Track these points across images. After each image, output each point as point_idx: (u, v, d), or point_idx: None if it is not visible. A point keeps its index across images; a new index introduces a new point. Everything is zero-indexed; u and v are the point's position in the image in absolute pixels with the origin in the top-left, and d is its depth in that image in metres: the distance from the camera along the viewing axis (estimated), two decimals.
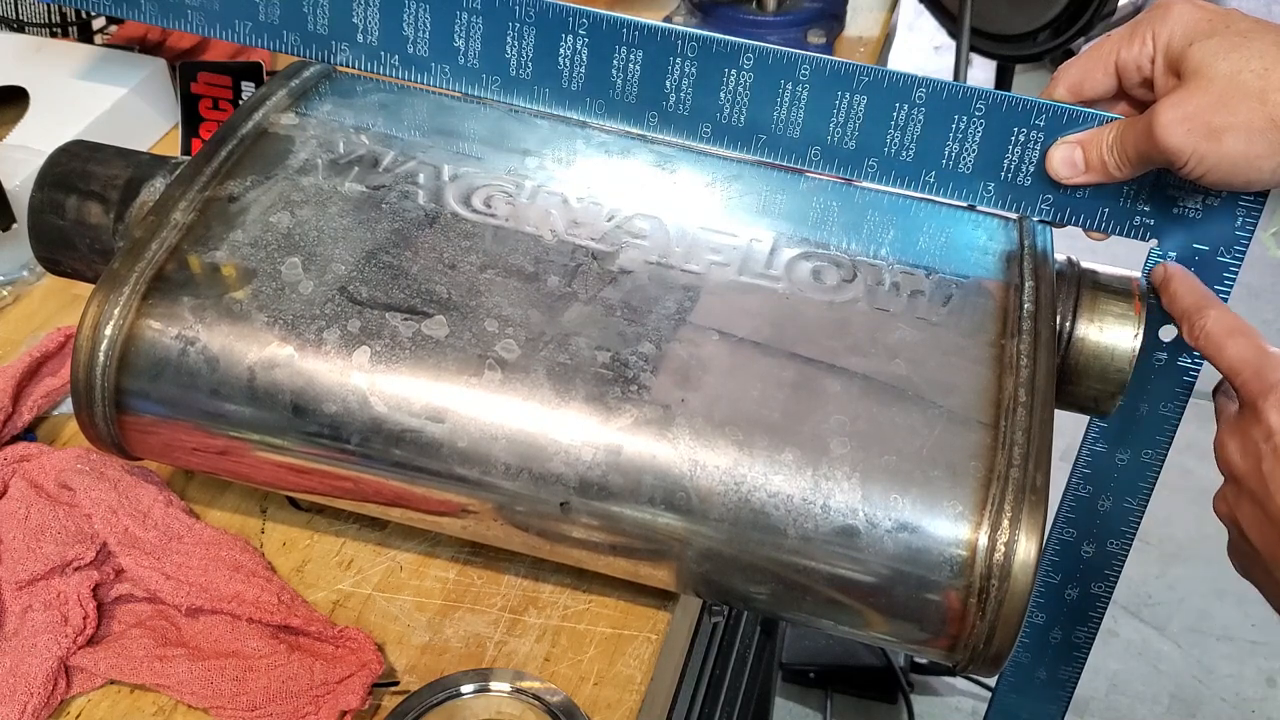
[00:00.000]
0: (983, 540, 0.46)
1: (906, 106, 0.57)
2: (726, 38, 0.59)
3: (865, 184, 0.60)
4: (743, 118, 0.59)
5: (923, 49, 2.56)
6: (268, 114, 0.60)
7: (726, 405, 0.49)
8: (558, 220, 0.57)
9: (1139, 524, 0.65)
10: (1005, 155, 0.57)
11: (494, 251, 0.55)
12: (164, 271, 0.53)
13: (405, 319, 0.51)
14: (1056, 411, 0.52)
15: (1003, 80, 1.49)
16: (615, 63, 0.60)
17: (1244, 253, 0.57)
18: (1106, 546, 0.66)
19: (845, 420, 0.49)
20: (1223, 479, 0.52)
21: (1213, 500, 0.53)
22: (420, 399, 0.50)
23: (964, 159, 0.57)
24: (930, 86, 0.56)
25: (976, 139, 0.57)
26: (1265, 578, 0.51)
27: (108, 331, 0.51)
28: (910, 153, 0.58)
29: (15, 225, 0.74)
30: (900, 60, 1.29)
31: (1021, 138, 0.56)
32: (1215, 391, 0.55)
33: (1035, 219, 0.59)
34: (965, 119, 0.57)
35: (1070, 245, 0.59)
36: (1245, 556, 0.52)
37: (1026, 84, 2.59)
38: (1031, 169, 0.57)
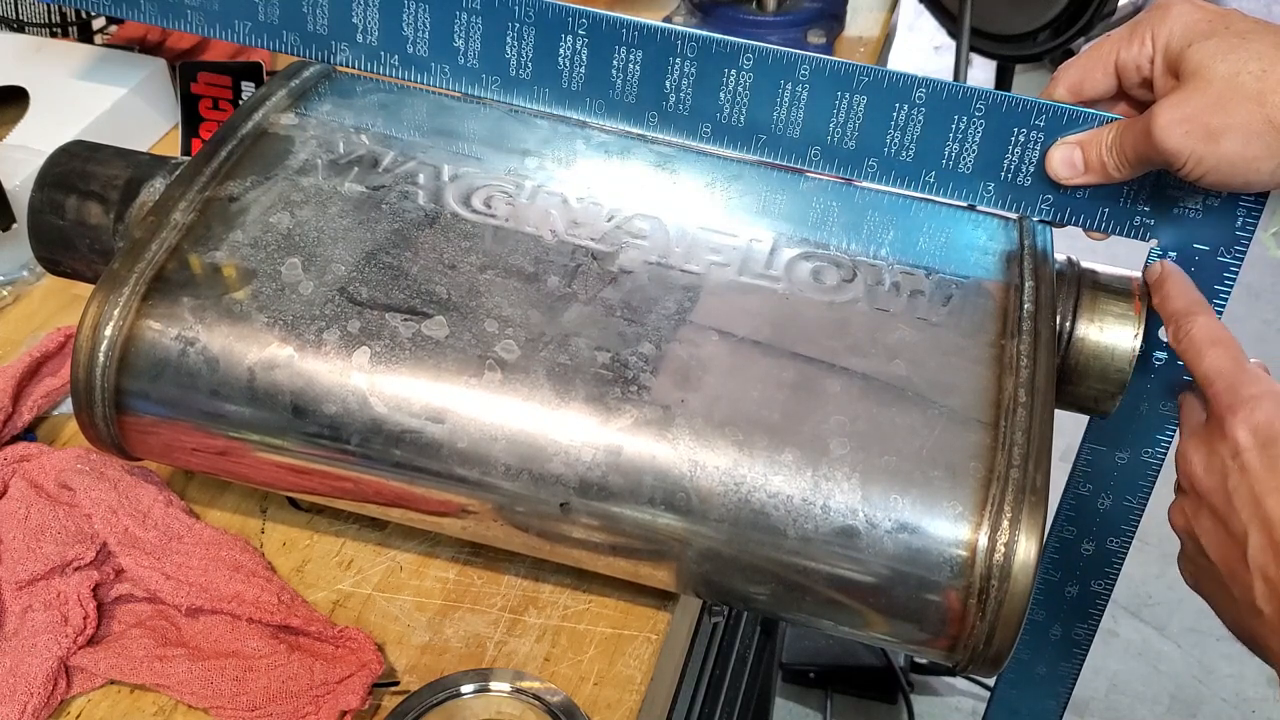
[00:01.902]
0: (983, 540, 0.46)
1: (906, 106, 0.57)
2: (726, 38, 0.59)
3: (865, 184, 0.60)
4: (743, 118, 0.59)
5: (923, 49, 2.56)
6: (268, 114, 0.60)
7: (726, 406, 0.49)
8: (558, 220, 0.57)
9: (1139, 522, 0.65)
10: (1005, 155, 0.57)
11: (494, 252, 0.55)
12: (164, 272, 0.53)
13: (405, 319, 0.51)
14: (1056, 411, 0.52)
15: (1003, 80, 1.49)
16: (615, 63, 0.60)
17: (1244, 253, 0.57)
18: (1106, 545, 0.66)
19: (845, 420, 0.49)
20: (1181, 489, 0.52)
21: (1168, 511, 0.52)
22: (420, 399, 0.50)
23: (964, 159, 0.57)
24: (930, 86, 0.56)
25: (976, 139, 0.57)
26: (1220, 592, 0.50)
27: (107, 332, 0.51)
28: (910, 153, 0.58)
29: (15, 225, 0.74)
30: (900, 60, 1.29)
31: (1021, 138, 0.56)
32: (1179, 397, 0.54)
33: (1035, 219, 0.59)
34: (965, 119, 0.57)
35: (1070, 245, 0.59)
36: (1200, 570, 0.51)
37: (1026, 84, 2.58)
38: (1031, 169, 0.57)
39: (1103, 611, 0.69)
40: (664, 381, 0.50)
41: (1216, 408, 0.49)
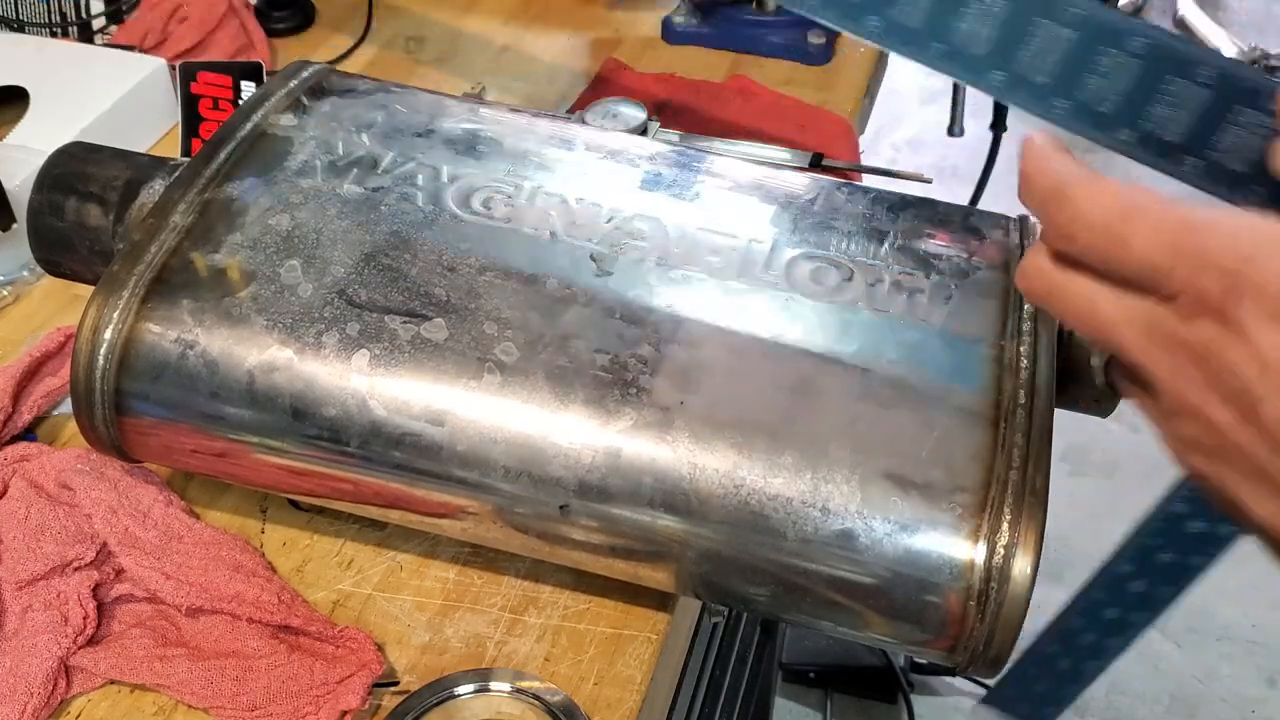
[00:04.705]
0: (982, 543, 0.46)
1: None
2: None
3: (868, 182, 0.60)
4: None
5: None
6: (267, 115, 0.60)
7: (725, 407, 0.49)
8: (557, 221, 0.57)
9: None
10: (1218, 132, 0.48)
11: (493, 253, 0.55)
12: (163, 274, 0.53)
13: (404, 322, 0.51)
14: (1056, 411, 0.51)
15: None
16: None
17: None
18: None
19: (844, 422, 0.49)
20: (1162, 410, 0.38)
21: (1173, 447, 0.39)
22: (420, 402, 0.50)
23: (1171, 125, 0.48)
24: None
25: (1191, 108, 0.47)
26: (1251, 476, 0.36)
27: (107, 335, 0.51)
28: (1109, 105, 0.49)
29: (15, 225, 0.74)
30: (900, 60, 1.28)
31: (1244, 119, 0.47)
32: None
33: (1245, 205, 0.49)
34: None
35: None
36: (1220, 452, 0.37)
37: None
38: (1248, 156, 0.48)
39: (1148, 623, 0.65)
40: (663, 383, 0.50)
41: (1197, 296, 0.34)
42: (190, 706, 0.52)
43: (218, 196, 0.56)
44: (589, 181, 0.59)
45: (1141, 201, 0.35)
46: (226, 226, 0.55)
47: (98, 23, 0.94)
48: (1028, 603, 0.46)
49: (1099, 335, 0.38)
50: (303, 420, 0.51)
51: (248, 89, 0.82)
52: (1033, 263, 0.39)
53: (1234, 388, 0.34)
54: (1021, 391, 0.50)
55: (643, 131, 0.81)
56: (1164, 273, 0.35)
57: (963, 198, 0.95)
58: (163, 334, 0.51)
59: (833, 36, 0.99)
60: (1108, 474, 1.80)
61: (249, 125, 0.59)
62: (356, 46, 0.99)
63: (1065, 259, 0.38)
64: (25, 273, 0.75)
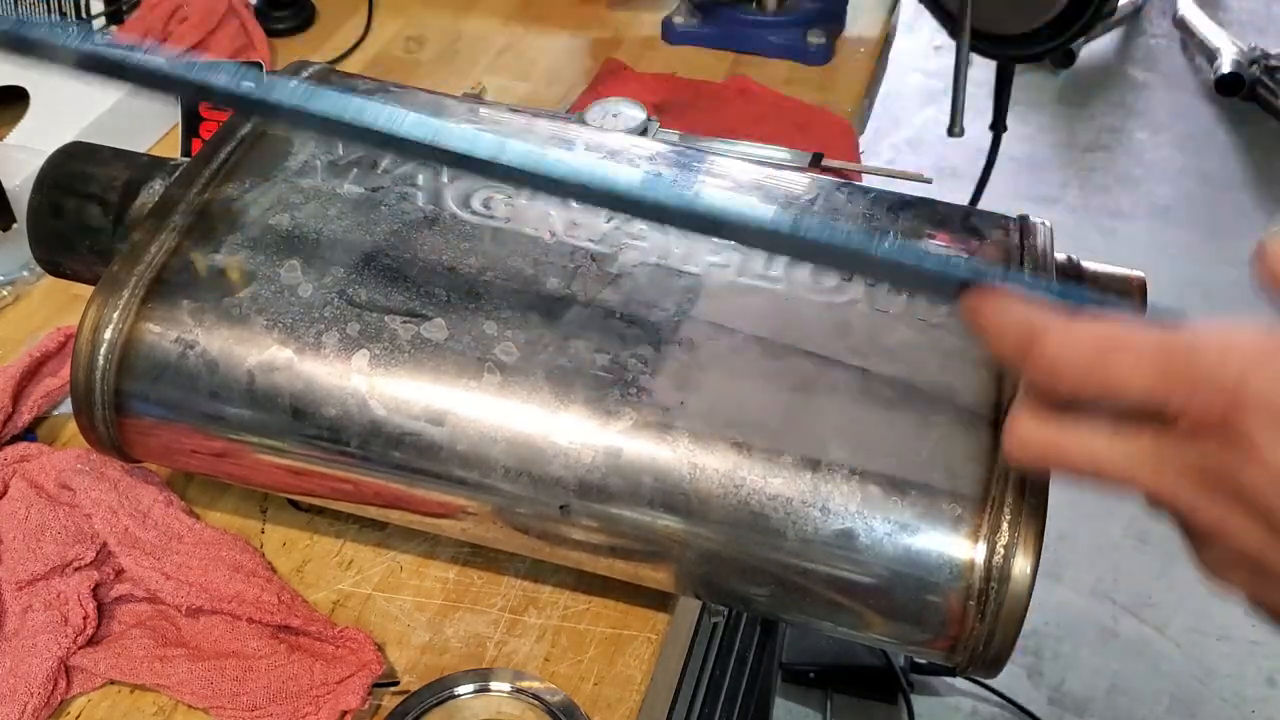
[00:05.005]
0: (982, 543, 0.46)
1: None
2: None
3: (866, 184, 0.60)
4: None
5: (923, 49, 2.56)
6: None
7: (726, 408, 0.49)
8: (556, 221, 0.57)
9: None
10: None
11: (493, 253, 0.55)
12: (163, 274, 0.53)
13: (404, 322, 0.51)
14: None
15: (1003, 80, 1.48)
16: None
17: None
18: None
19: (844, 422, 0.49)
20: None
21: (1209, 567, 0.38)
22: (420, 402, 0.50)
23: None
24: None
25: None
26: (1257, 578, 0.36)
27: (107, 335, 0.51)
28: None
29: (15, 225, 0.74)
30: (900, 60, 1.29)
31: None
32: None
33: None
34: None
35: (1070, 245, 0.59)
36: (1231, 562, 0.37)
37: (1026, 83, 2.58)
38: None
39: None
40: (663, 383, 0.50)
41: (1199, 415, 0.33)
42: (190, 706, 0.52)
43: (218, 196, 0.56)
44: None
45: (1117, 333, 0.35)
46: (226, 226, 0.55)
47: (98, 23, 0.94)
48: (1028, 602, 0.46)
49: (1109, 483, 0.36)
50: (303, 420, 0.51)
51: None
52: (1017, 432, 0.38)
53: (1257, 505, 0.33)
54: None
55: (643, 131, 0.81)
56: (1159, 400, 0.34)
57: (963, 198, 0.95)
58: (163, 334, 0.51)
59: (833, 36, 0.99)
60: None
61: (249, 125, 0.59)
62: (356, 46, 0.99)
63: (1053, 406, 0.37)
64: (25, 273, 0.75)
